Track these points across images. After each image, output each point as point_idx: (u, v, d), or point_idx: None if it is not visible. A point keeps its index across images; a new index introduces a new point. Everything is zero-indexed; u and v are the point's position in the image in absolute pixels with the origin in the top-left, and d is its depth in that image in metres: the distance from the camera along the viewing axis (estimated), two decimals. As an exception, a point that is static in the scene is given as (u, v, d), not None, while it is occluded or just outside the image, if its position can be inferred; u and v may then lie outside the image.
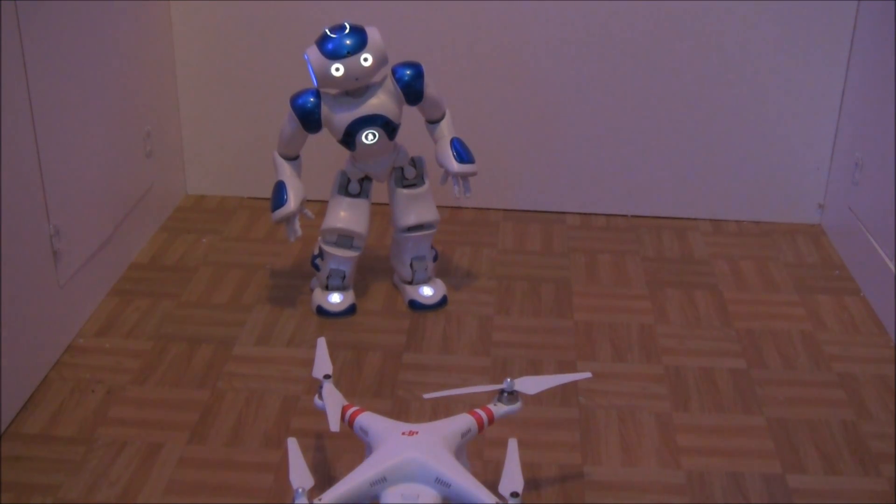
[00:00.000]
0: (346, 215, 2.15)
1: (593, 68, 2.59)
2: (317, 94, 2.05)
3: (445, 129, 2.17)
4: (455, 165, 2.13)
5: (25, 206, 1.89)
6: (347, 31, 2.00)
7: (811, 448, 1.83)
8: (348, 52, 1.99)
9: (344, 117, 2.06)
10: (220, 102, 2.69)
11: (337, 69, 1.99)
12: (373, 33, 2.02)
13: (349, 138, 2.07)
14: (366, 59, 2.00)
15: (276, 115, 2.67)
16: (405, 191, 2.18)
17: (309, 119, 2.05)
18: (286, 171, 2.11)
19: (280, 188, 2.10)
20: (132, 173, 2.42)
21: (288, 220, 2.09)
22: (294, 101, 2.06)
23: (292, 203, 2.08)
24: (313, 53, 2.01)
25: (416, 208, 2.19)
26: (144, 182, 2.50)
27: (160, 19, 2.55)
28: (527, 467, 1.67)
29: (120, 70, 2.32)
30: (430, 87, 2.11)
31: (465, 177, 2.15)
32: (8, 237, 1.81)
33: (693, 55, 2.56)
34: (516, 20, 2.55)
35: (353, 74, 2.01)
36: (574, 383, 1.96)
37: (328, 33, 2.01)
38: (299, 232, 2.11)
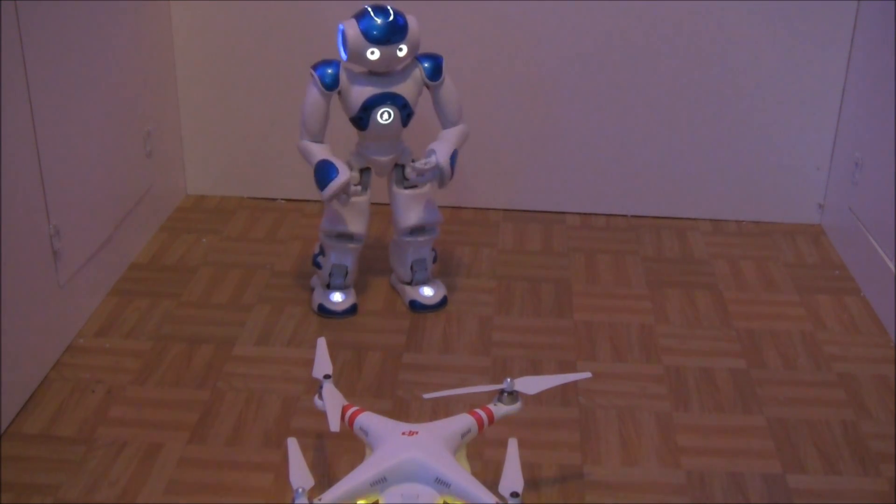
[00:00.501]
0: (345, 215, 2.15)
1: (593, 68, 2.59)
2: (338, 66, 2.05)
3: (453, 135, 2.14)
4: (444, 158, 2.07)
5: (25, 206, 1.89)
6: (391, 17, 1.99)
7: (811, 448, 1.83)
8: (388, 40, 1.99)
9: (364, 90, 2.05)
10: (220, 102, 2.69)
11: (372, 52, 1.99)
12: (413, 24, 2.02)
13: (364, 114, 2.06)
14: (401, 50, 2.01)
15: (276, 116, 2.68)
16: (406, 191, 2.18)
17: (330, 81, 2.03)
18: (321, 152, 2.06)
19: (324, 166, 2.03)
20: (132, 173, 2.42)
21: (343, 190, 2.04)
22: (316, 66, 2.04)
23: (343, 173, 2.01)
24: (351, 29, 1.99)
25: (417, 208, 2.18)
26: (144, 182, 2.50)
27: (160, 19, 2.55)
28: (527, 467, 1.67)
29: (120, 70, 2.32)
30: (450, 81, 2.11)
31: (439, 173, 2.08)
32: (8, 237, 1.81)
33: (693, 55, 2.56)
34: (517, 21, 2.55)
35: (386, 60, 2.01)
36: (574, 383, 1.96)
37: (371, 13, 1.99)
38: (359, 189, 2.09)
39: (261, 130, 2.69)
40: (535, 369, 2.04)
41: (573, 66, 2.59)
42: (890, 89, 2.26)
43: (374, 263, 2.39)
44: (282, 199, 2.75)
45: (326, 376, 1.66)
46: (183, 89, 2.68)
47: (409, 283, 2.26)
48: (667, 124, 2.64)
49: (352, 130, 2.13)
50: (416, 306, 2.24)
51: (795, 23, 2.51)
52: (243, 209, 2.72)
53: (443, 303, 2.26)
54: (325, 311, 2.21)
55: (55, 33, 1.98)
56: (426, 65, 2.08)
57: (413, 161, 2.15)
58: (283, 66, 2.60)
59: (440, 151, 2.08)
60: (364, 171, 2.15)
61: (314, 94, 2.06)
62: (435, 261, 2.29)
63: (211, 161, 2.76)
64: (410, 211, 2.18)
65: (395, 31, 1.99)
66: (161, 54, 2.58)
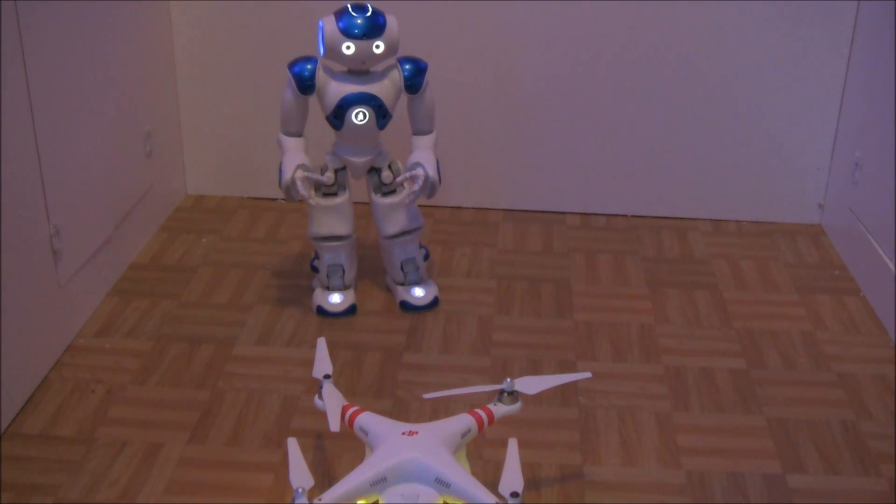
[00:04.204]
0: (329, 220, 2.15)
1: (594, 69, 2.59)
2: (316, 62, 2.06)
3: (431, 142, 2.14)
4: (432, 170, 2.08)
5: (25, 206, 1.89)
6: (369, 13, 2.00)
7: (811, 448, 1.83)
8: (364, 35, 1.99)
9: (341, 89, 2.05)
10: (220, 102, 2.69)
11: (348, 47, 1.99)
12: (391, 22, 2.02)
13: (340, 112, 2.06)
14: (378, 47, 2.01)
15: (275, 116, 2.67)
16: (385, 200, 2.17)
17: (304, 83, 2.04)
18: (286, 146, 2.09)
19: (280, 166, 2.09)
20: (132, 173, 2.42)
21: (289, 190, 2.06)
22: (292, 65, 2.06)
23: (287, 173, 2.05)
24: (329, 24, 2.01)
25: (396, 216, 2.18)
26: (144, 182, 2.50)
27: (160, 19, 2.56)
28: (527, 467, 1.67)
29: (120, 70, 2.32)
30: (431, 91, 2.11)
31: (428, 187, 2.08)
32: (8, 237, 1.81)
33: (693, 55, 2.56)
34: (516, 20, 2.55)
35: (361, 57, 2.01)
36: (574, 383, 1.96)
37: (350, 10, 2.01)
38: (309, 190, 2.06)
39: (261, 130, 2.69)
40: (535, 369, 2.04)
41: (573, 66, 2.59)
42: (890, 89, 2.26)
43: (374, 263, 2.39)
44: (282, 199, 2.75)
45: (326, 376, 1.66)
46: (183, 89, 2.68)
47: (402, 284, 2.26)
48: (667, 124, 2.64)
49: (329, 131, 2.13)
50: (407, 307, 2.24)
51: (795, 23, 2.51)
52: (243, 209, 2.72)
53: (433, 303, 2.25)
54: (323, 313, 2.21)
55: (55, 33, 1.98)
56: (406, 66, 2.08)
57: (390, 166, 2.15)
58: (282, 67, 2.58)
59: (427, 163, 2.08)
60: (340, 170, 2.15)
61: (289, 96, 2.07)
62: (426, 258, 2.29)
63: (211, 161, 2.76)
64: (391, 220, 2.18)
65: (371, 27, 1.99)
66: (161, 54, 2.58)
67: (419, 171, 2.07)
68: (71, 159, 2.07)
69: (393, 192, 2.18)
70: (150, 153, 2.51)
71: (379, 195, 2.17)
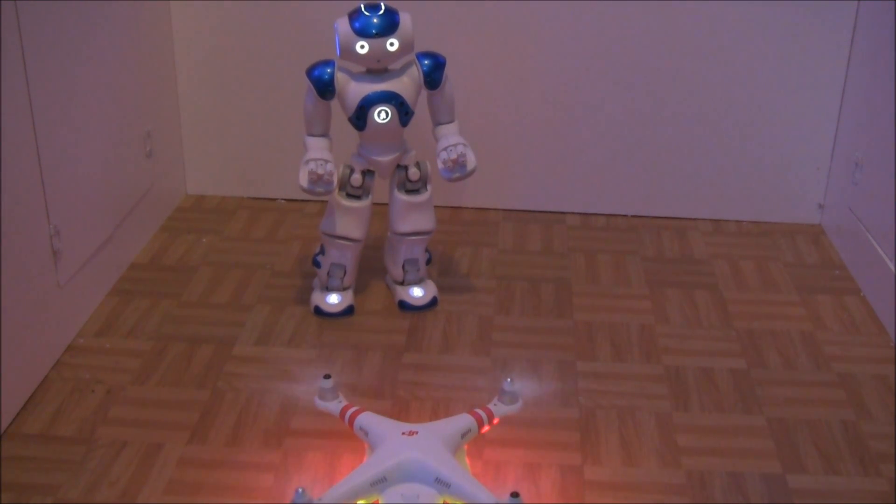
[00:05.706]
0: (346, 221, 2.14)
1: (593, 69, 2.59)
2: (333, 65, 2.05)
3: (455, 130, 2.13)
4: (466, 146, 2.10)
5: (25, 206, 1.89)
6: (381, 11, 2.00)
7: (811, 448, 1.83)
8: (376, 33, 1.99)
9: (361, 89, 2.05)
10: (220, 102, 2.69)
11: (362, 46, 2.00)
12: (405, 19, 2.02)
13: (361, 113, 2.06)
14: (392, 44, 2.01)
15: (276, 116, 2.68)
16: (406, 197, 2.17)
17: (324, 87, 2.03)
18: (308, 145, 2.08)
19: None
20: (132, 173, 2.42)
21: (313, 192, 2.05)
22: (310, 71, 2.05)
23: (302, 175, 2.04)
24: (343, 25, 2.01)
25: (413, 216, 2.18)
26: (144, 182, 2.50)
27: (160, 19, 2.55)
28: (527, 467, 1.67)
29: (120, 70, 2.32)
30: (450, 83, 2.10)
31: (466, 166, 2.09)
32: (8, 237, 1.81)
33: (693, 55, 2.56)
34: (518, 21, 2.55)
35: (376, 55, 2.01)
36: (574, 383, 1.96)
37: (363, 9, 2.01)
38: (330, 183, 2.05)
39: (261, 130, 2.69)
40: (535, 369, 2.04)
41: (573, 66, 2.59)
42: (890, 89, 2.26)
43: (374, 263, 2.39)
44: (282, 199, 2.75)
45: (326, 376, 1.66)
46: (183, 89, 2.68)
47: (401, 283, 2.26)
48: (667, 125, 2.64)
49: (354, 132, 2.13)
50: (405, 306, 2.24)
51: (795, 23, 2.51)
52: (243, 209, 2.72)
53: (432, 304, 2.25)
54: (320, 313, 2.21)
55: (55, 33, 1.98)
56: (425, 62, 2.08)
57: (418, 165, 2.14)
58: (282, 66, 2.60)
59: (460, 140, 2.09)
60: (367, 173, 2.15)
61: (310, 103, 2.07)
62: (429, 262, 2.29)
63: (211, 161, 2.76)
64: (407, 217, 2.18)
65: (384, 25, 1.99)
66: (161, 54, 2.58)
67: (456, 147, 2.07)
68: (71, 159, 2.07)
69: (417, 191, 2.17)
70: (150, 153, 2.51)
71: (402, 192, 2.17)
